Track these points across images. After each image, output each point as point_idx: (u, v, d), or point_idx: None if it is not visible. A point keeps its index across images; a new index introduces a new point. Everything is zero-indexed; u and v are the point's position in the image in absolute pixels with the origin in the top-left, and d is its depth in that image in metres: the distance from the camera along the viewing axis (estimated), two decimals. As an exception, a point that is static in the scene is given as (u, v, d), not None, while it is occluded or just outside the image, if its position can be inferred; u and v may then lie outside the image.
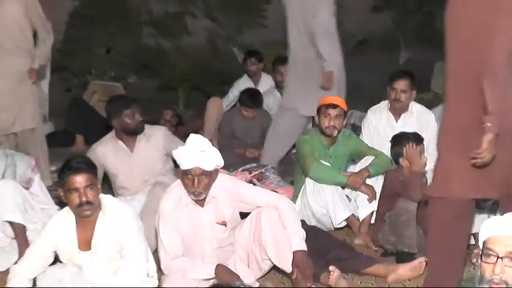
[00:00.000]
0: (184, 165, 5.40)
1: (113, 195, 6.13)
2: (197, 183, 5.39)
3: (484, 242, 3.42)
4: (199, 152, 5.36)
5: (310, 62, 8.00)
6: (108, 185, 6.85)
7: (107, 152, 6.83)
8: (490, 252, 3.37)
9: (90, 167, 5.15)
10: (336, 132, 6.93)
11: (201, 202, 5.54)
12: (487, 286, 3.32)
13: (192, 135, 5.61)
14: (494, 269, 3.32)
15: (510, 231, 3.36)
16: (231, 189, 5.65)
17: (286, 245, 5.47)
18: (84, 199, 5.02)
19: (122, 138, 6.82)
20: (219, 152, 5.55)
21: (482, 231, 3.44)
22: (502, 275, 3.29)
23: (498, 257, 3.33)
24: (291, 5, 8.17)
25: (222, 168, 5.74)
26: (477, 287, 3.40)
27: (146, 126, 6.85)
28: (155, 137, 6.82)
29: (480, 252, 3.48)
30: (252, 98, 9.01)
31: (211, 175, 5.43)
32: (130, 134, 6.75)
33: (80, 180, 5.03)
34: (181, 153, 5.46)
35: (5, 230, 6.13)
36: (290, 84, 8.34)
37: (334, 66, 7.96)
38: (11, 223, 6.02)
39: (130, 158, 6.84)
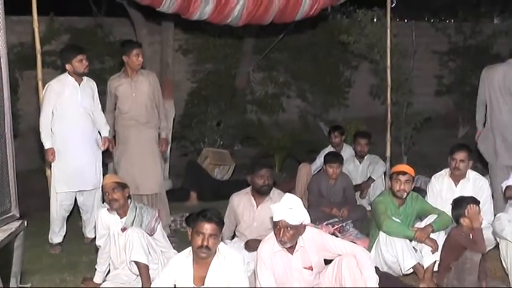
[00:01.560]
0: (274, 218, 5.47)
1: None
2: (282, 234, 5.41)
3: None
4: (287, 208, 5.38)
5: None
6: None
7: (240, 204, 6.96)
8: None
9: (219, 221, 5.19)
10: (405, 194, 6.88)
11: (290, 250, 5.53)
12: None
13: (286, 194, 5.65)
14: None
15: None
16: (317, 240, 5.66)
17: (363, 286, 5.42)
18: (205, 243, 5.08)
19: (254, 195, 6.96)
20: (306, 210, 5.54)
21: None
22: None
23: None
24: None
25: (311, 223, 5.75)
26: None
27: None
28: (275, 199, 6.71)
29: None
30: (334, 155, 9.05)
31: (296, 228, 5.41)
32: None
33: (207, 227, 5.09)
34: (274, 207, 5.51)
35: (132, 268, 6.22)
36: None
37: None
38: (137, 263, 6.09)
39: (254, 212, 6.93)
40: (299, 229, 5.49)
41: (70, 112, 7.59)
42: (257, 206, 6.96)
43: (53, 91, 7.52)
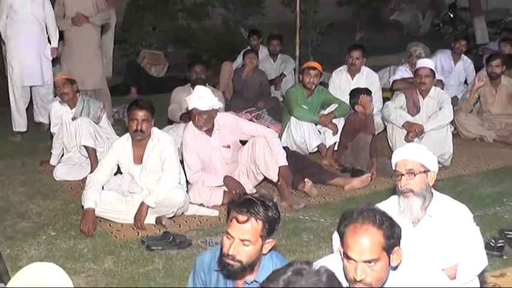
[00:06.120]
0: (189, 107, 5.54)
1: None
2: (197, 119, 5.47)
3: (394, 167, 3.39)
4: (197, 97, 5.39)
5: None
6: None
7: (184, 94, 6.75)
8: (397, 173, 3.34)
9: (150, 108, 5.12)
10: (314, 86, 6.91)
11: (209, 132, 5.57)
12: (402, 196, 3.29)
13: (197, 86, 5.75)
14: (401, 183, 3.30)
15: (405, 156, 3.32)
16: (232, 123, 5.73)
17: (273, 162, 5.52)
18: (139, 128, 5.04)
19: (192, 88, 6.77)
20: (215, 97, 5.57)
21: (393, 160, 3.41)
22: (407, 186, 3.27)
23: (401, 175, 3.31)
24: None
25: (232, 111, 5.74)
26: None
27: None
28: None
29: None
30: (250, 50, 9.14)
31: (208, 113, 5.47)
32: None
33: (140, 114, 5.03)
34: (187, 98, 5.62)
35: (82, 151, 6.23)
36: None
37: None
38: (86, 147, 6.10)
39: None
40: (211, 113, 5.50)
41: (21, 19, 7.42)
42: None
43: (6, 2, 7.39)
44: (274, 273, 2.14)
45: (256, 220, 2.76)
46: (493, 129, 7.69)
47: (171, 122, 7.13)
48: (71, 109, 6.32)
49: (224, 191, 5.51)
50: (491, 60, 7.70)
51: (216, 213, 5.32)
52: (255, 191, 5.62)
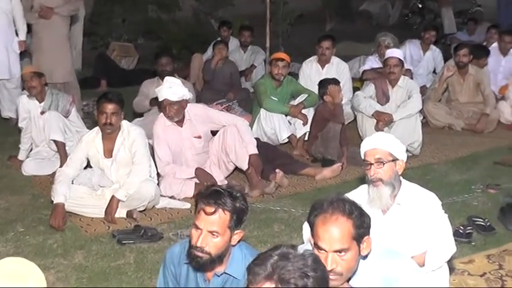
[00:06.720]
0: (159, 98, 5.50)
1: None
2: (168, 110, 5.43)
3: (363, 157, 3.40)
4: (167, 88, 5.38)
5: None
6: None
7: (152, 86, 6.72)
8: (366, 162, 3.35)
9: (119, 101, 5.06)
10: (282, 77, 6.91)
11: (180, 123, 5.54)
12: (371, 185, 3.31)
13: (166, 77, 5.72)
14: (370, 172, 3.31)
15: (374, 145, 3.34)
16: (203, 114, 5.70)
17: (243, 150, 5.53)
18: (108, 121, 4.98)
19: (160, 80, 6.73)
20: (185, 88, 5.57)
21: (361, 150, 3.42)
22: (376, 175, 3.28)
23: (370, 164, 3.32)
24: None
25: (203, 103, 5.71)
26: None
27: None
28: None
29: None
30: (220, 41, 9.07)
31: (179, 104, 5.44)
32: None
33: (109, 107, 4.98)
34: (157, 90, 5.57)
35: (51, 146, 6.16)
36: None
37: None
38: (55, 141, 6.04)
39: None
40: (182, 104, 5.47)
41: None
42: None
43: None
44: (260, 257, 2.17)
45: (223, 211, 2.75)
46: (461, 118, 7.77)
47: (136, 115, 7.07)
48: (40, 103, 6.23)
49: (195, 183, 5.48)
50: (458, 49, 7.76)
51: (187, 205, 5.28)
52: (226, 182, 5.61)
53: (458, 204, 5.27)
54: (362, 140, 3.54)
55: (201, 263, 2.78)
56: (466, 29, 12.33)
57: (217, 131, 5.74)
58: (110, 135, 5.09)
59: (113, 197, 4.99)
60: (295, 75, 7.94)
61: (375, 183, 3.31)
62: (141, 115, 7.07)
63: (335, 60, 7.70)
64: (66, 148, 6.04)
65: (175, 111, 5.46)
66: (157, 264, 4.09)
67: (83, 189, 5.11)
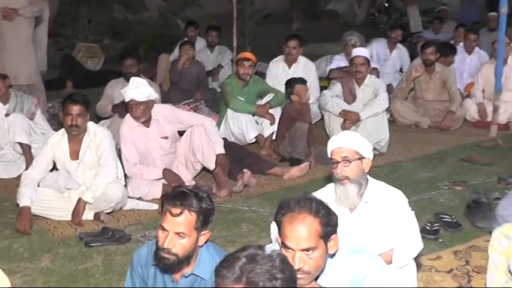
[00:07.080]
0: (125, 99, 5.46)
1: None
2: (135, 111, 5.40)
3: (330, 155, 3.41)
4: (134, 88, 5.36)
5: None
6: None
7: (117, 87, 6.69)
8: (332, 160, 3.36)
9: (84, 102, 5.01)
10: (248, 77, 6.91)
11: (147, 124, 5.51)
12: (338, 183, 3.32)
13: (132, 78, 5.68)
14: (336, 170, 3.33)
15: (340, 144, 3.36)
16: (169, 114, 5.67)
17: (210, 150, 5.52)
18: (74, 122, 4.93)
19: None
20: (151, 87, 5.55)
21: (328, 148, 3.43)
22: (342, 173, 3.30)
23: (337, 162, 3.33)
24: None
25: (170, 103, 5.68)
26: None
27: None
28: None
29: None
30: (186, 42, 8.98)
31: (146, 104, 5.41)
32: None
33: (75, 108, 4.92)
34: (122, 90, 5.54)
35: (16, 148, 6.10)
36: None
37: None
38: (20, 143, 5.98)
39: None
40: (148, 104, 5.44)
41: None
42: None
43: None
44: (228, 259, 2.16)
45: (189, 212, 2.74)
46: (428, 116, 7.84)
47: (100, 118, 7.02)
48: (4, 105, 6.15)
49: (163, 184, 5.46)
50: (425, 47, 7.83)
51: (155, 206, 5.25)
52: (194, 182, 5.59)
53: (425, 201, 5.33)
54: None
55: (168, 265, 2.76)
56: (432, 27, 12.44)
57: (185, 132, 5.71)
58: (75, 136, 5.04)
59: (79, 199, 4.94)
60: (262, 75, 7.94)
61: (341, 181, 3.32)
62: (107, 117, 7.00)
63: (302, 59, 7.71)
64: (32, 150, 5.96)
65: (142, 112, 5.43)
66: (125, 266, 4.05)
67: (49, 192, 5.05)
